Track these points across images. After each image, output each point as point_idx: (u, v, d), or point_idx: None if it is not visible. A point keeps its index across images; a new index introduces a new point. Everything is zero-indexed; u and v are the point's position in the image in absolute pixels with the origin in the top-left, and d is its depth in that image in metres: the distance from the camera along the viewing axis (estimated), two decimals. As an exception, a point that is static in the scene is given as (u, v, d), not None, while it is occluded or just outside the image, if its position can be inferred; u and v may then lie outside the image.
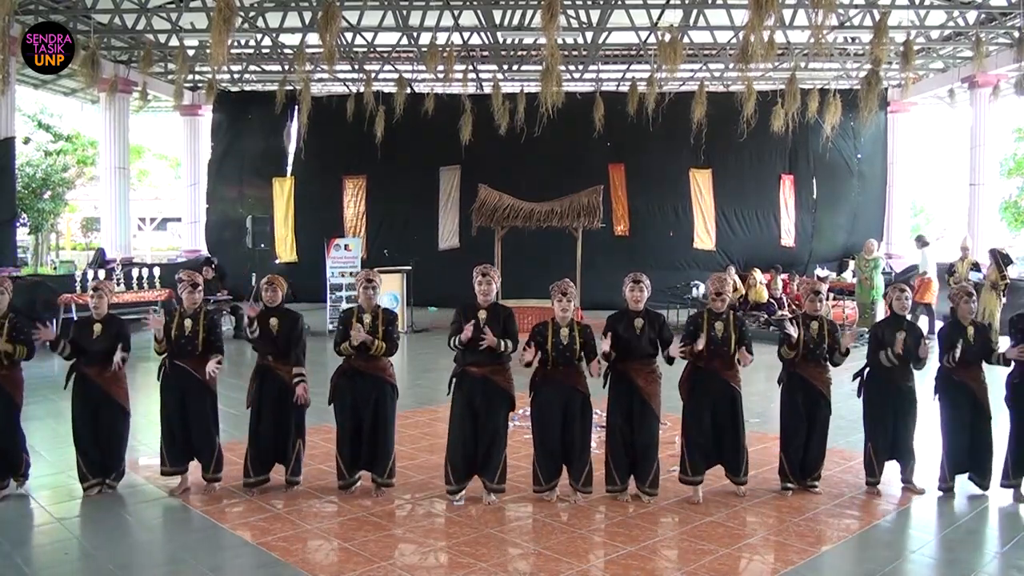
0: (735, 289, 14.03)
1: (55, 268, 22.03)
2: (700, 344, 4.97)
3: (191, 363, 5.18)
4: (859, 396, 5.39)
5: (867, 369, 5.35)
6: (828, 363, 5.27)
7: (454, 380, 5.11)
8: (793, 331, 5.12)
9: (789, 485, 5.25)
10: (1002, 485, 5.20)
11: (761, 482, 5.48)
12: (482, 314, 4.99)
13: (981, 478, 5.22)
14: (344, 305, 12.57)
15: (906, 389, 5.22)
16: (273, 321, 5.20)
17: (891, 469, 5.35)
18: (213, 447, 5.25)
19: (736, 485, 5.19)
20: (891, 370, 5.19)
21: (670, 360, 5.06)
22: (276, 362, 5.21)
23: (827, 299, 13.36)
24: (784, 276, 14.63)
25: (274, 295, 5.27)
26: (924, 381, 5.46)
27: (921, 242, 13.40)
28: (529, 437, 5.44)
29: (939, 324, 12.29)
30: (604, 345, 4.93)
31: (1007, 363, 5.18)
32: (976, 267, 11.76)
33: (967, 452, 5.20)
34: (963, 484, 5.29)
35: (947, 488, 5.22)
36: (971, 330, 5.20)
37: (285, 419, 5.20)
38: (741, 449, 5.15)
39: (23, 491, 5.21)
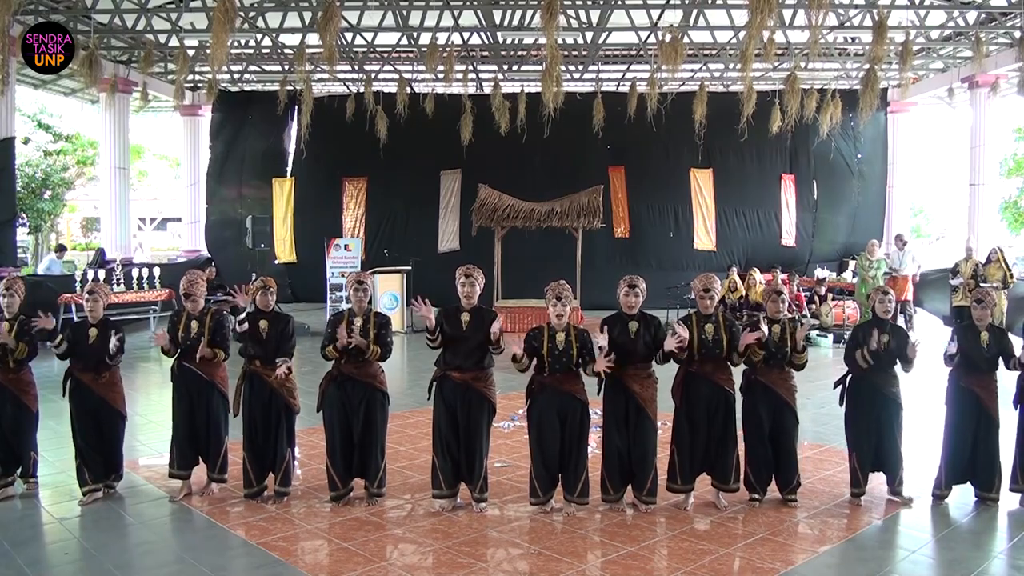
0: (735, 289, 14.05)
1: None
2: (684, 332, 4.78)
3: (198, 364, 5.17)
4: (841, 404, 5.22)
5: (849, 375, 5.17)
6: (792, 369, 5.07)
7: (434, 384, 4.99)
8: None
9: (756, 497, 5.04)
10: (1011, 489, 5.09)
11: (761, 482, 5.47)
12: (465, 317, 4.88)
13: (986, 489, 5.06)
14: (344, 305, 12.57)
15: (890, 395, 5.04)
16: (263, 324, 5.10)
17: (878, 477, 5.19)
18: (220, 447, 5.23)
19: (725, 493, 5.01)
20: (874, 376, 5.02)
21: (666, 358, 4.87)
22: (264, 367, 5.09)
23: (827, 299, 13.58)
24: (784, 276, 14.63)
25: (270, 300, 5.21)
26: (910, 386, 5.35)
27: (900, 241, 13.77)
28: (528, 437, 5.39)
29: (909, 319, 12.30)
30: (601, 340, 4.72)
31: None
32: (977, 268, 11.74)
33: (970, 462, 5.07)
34: (960, 488, 5.18)
35: (941, 496, 5.11)
36: (985, 335, 5.04)
37: (275, 426, 5.11)
38: (732, 455, 4.98)
39: (32, 492, 5.23)
